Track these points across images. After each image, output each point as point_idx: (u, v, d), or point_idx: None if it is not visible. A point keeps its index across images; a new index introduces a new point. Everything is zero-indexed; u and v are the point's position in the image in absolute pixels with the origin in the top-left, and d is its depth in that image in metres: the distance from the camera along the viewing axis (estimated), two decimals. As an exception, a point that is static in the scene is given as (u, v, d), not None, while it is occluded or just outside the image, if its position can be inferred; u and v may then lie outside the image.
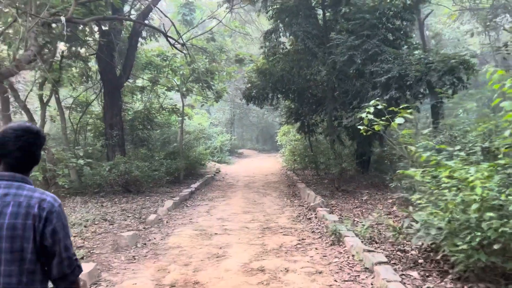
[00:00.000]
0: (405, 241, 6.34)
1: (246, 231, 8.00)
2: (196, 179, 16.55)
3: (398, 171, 8.89)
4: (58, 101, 13.48)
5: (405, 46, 11.63)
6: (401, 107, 6.69)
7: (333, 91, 13.33)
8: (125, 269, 5.87)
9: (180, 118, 20.71)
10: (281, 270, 5.61)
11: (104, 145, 14.11)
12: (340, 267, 5.66)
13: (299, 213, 9.61)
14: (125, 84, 16.93)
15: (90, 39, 14.85)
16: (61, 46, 16.29)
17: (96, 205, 10.50)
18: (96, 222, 8.54)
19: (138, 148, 16.88)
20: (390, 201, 10.41)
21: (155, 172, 13.24)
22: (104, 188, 12.13)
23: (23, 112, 11.37)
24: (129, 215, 9.34)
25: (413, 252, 6.06)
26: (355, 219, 8.50)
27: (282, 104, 17.38)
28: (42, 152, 2.43)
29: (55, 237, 1.84)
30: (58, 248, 1.85)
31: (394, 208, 9.49)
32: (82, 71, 15.69)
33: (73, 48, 14.53)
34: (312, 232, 7.79)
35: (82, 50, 15.26)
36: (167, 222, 8.94)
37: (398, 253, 6.09)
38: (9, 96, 11.90)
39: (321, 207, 9.48)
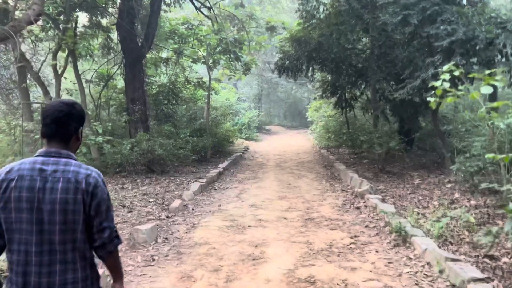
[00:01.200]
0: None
1: (285, 223, 6.71)
2: (224, 158, 15.35)
3: (473, 152, 7.41)
4: (77, 73, 12.34)
5: (467, 4, 9.84)
6: (488, 72, 5.13)
7: (378, 60, 11.70)
8: (140, 275, 4.68)
9: (206, 93, 19.55)
10: (337, 284, 4.30)
11: (126, 121, 12.98)
12: (416, 281, 4.30)
13: (344, 200, 8.23)
14: (147, 55, 15.75)
15: (111, 7, 13.61)
16: (83, 17, 15.15)
17: (116, 187, 9.42)
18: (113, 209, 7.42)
19: (162, 124, 15.74)
20: (449, 186, 8.92)
21: (180, 151, 12.05)
22: (126, 167, 11.01)
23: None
24: (151, 200, 8.18)
25: (505, 259, 4.65)
26: (414, 209, 7.08)
27: (318, 77, 15.78)
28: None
29: (100, 209, 1.96)
30: (100, 219, 1.97)
31: (456, 194, 8.01)
32: (104, 42, 14.56)
33: (94, 18, 13.34)
34: (366, 226, 6.42)
35: (104, 21, 14.07)
36: (193, 209, 7.73)
37: (486, 260, 4.68)
38: (25, 68, 10.85)
39: (370, 193, 8.09)
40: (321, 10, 12.58)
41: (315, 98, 21.51)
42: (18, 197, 1.85)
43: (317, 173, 12.08)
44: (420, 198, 8.03)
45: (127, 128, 13.13)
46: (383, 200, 7.57)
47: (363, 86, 14.60)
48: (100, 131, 10.46)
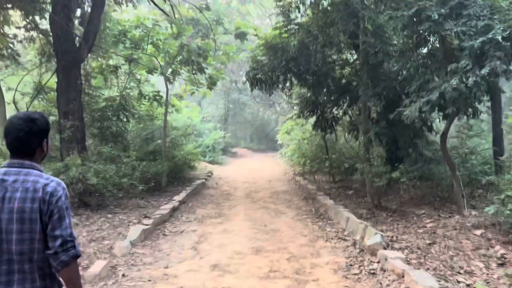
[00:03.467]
0: None
1: (268, 306, 4.11)
2: (183, 186, 12.63)
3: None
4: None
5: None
6: None
7: (372, 72, 9.50)
8: None
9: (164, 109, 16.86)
10: None
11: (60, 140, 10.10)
12: None
13: (349, 258, 5.69)
14: (94, 62, 13.02)
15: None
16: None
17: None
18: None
19: (109, 145, 12.89)
20: (478, 232, 6.62)
21: (123, 180, 9.26)
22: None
23: None
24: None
25: None
26: (457, 277, 4.67)
27: (295, 93, 13.43)
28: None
29: (52, 217, 1.91)
30: (52, 226, 1.91)
31: (499, 248, 5.69)
32: (42, 48, 11.75)
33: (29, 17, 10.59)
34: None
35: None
36: (124, 275, 4.99)
37: None
38: None
39: (384, 247, 5.64)
40: (301, 10, 10.36)
41: (289, 119, 19.18)
42: None
43: (297, 208, 9.57)
44: (451, 253, 5.64)
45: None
46: (407, 261, 5.12)
47: (345, 105, 12.39)
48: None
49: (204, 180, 14.38)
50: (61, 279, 2.00)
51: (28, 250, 1.88)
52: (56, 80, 10.14)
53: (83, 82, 12.58)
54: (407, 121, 7.62)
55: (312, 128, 12.95)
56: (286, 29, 10.96)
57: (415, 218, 8.00)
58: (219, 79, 14.63)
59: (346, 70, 12.07)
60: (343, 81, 11.90)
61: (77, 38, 10.21)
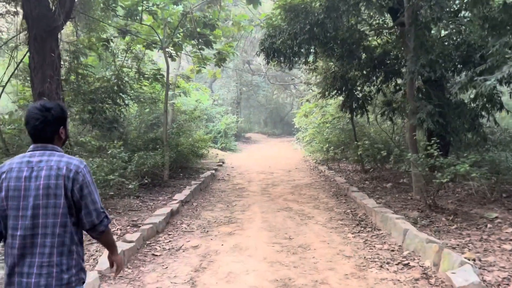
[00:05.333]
0: None
1: None
2: (189, 179, 10.69)
3: None
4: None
5: None
6: None
7: (421, 37, 7.31)
8: None
9: (170, 91, 14.85)
10: None
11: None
12: None
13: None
14: (81, 34, 11.04)
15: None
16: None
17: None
18: None
19: (93, 132, 10.97)
20: None
21: (111, 176, 7.29)
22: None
23: None
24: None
25: None
26: None
27: (318, 68, 11.19)
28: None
29: (83, 193, 2.04)
30: (85, 202, 2.05)
31: None
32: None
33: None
34: None
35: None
36: None
37: None
38: None
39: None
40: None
41: (308, 100, 17.01)
42: (7, 186, 2.01)
43: (328, 209, 7.52)
44: None
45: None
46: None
47: (379, 81, 10.22)
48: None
49: (213, 171, 12.41)
50: (76, 256, 2.07)
51: (52, 224, 1.99)
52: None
53: (71, 59, 10.68)
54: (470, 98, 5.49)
55: (340, 108, 10.82)
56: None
57: (488, 224, 5.92)
58: (229, 55, 12.48)
59: (380, 39, 9.85)
60: (378, 50, 9.68)
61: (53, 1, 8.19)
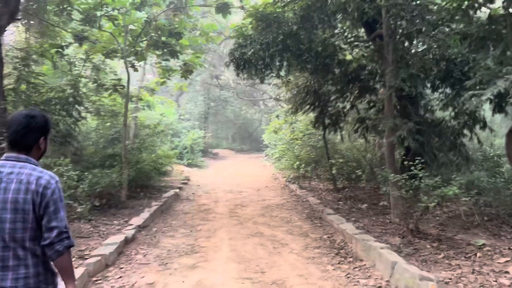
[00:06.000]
0: None
1: None
2: (150, 199, 9.76)
3: None
4: None
5: None
6: None
7: (400, 49, 6.85)
8: None
9: (133, 104, 13.92)
10: None
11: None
12: None
13: None
14: (32, 39, 10.05)
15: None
16: None
17: None
18: None
19: (59, 148, 9.95)
20: None
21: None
22: None
23: None
24: None
25: None
26: None
27: (290, 83, 10.59)
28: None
29: (48, 209, 1.96)
30: (49, 217, 1.95)
31: None
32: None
33: None
34: None
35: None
36: None
37: None
38: None
39: None
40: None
41: (277, 117, 16.46)
42: None
43: (303, 234, 6.80)
44: None
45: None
46: None
47: (352, 97, 9.75)
48: None
49: (177, 190, 11.50)
50: (54, 267, 2.04)
51: (21, 238, 1.93)
52: None
53: (21, 67, 9.63)
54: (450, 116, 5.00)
55: (313, 125, 10.20)
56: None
57: (477, 253, 5.38)
58: (196, 66, 11.74)
59: (356, 53, 9.40)
60: (353, 65, 9.21)
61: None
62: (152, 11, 9.82)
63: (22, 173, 1.98)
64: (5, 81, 9.54)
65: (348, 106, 10.00)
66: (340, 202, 9.34)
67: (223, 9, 9.75)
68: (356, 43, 8.89)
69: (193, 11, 10.89)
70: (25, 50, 9.75)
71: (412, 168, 5.92)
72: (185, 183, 13.59)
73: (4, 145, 6.75)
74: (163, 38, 10.25)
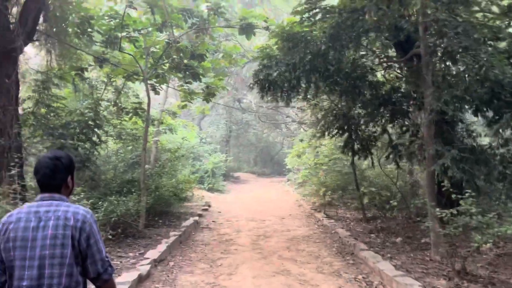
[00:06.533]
0: None
1: None
2: (169, 227, 9.23)
3: None
4: None
5: None
6: None
7: (444, 71, 6.22)
8: None
9: (154, 127, 13.55)
10: None
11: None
12: None
13: None
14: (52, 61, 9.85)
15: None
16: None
17: None
18: None
19: (79, 173, 9.56)
20: None
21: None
22: None
23: None
24: None
25: None
26: None
27: (316, 107, 10.02)
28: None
29: (89, 242, 2.05)
30: (92, 251, 2.06)
31: None
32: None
33: None
34: None
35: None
36: None
37: None
38: None
39: None
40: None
41: (301, 140, 15.85)
42: (15, 237, 2.00)
43: (335, 274, 6.07)
44: None
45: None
46: None
47: (383, 120, 9.10)
48: None
49: (197, 217, 10.91)
50: None
51: (58, 274, 1.98)
52: None
53: (41, 90, 9.38)
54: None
55: (341, 150, 9.53)
56: (309, 15, 7.73)
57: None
58: (218, 88, 11.33)
59: (388, 74, 8.79)
60: (385, 87, 8.59)
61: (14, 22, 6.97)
62: (174, 33, 9.48)
63: (58, 210, 2.06)
64: (25, 104, 9.34)
65: (379, 131, 9.32)
66: (372, 235, 8.57)
67: (247, 30, 9.33)
68: (389, 63, 8.28)
69: (216, 32, 10.52)
70: (45, 73, 9.53)
71: (462, 202, 5.18)
72: (206, 209, 13.01)
73: (14, 171, 6.39)
74: (185, 61, 9.90)
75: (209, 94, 11.15)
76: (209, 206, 13.93)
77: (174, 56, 9.82)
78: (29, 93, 9.34)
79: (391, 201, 8.16)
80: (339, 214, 11.50)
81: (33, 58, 12.73)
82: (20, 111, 8.29)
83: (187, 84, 10.90)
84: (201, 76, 10.51)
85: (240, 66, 14.91)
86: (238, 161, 33.29)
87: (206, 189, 19.05)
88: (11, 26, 6.68)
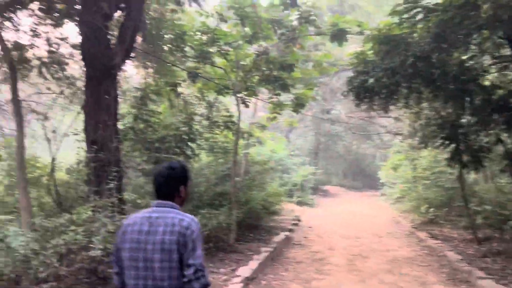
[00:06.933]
0: None
1: None
2: (259, 242, 8.99)
3: None
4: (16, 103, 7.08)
5: None
6: None
7: None
8: None
9: (244, 140, 13.53)
10: None
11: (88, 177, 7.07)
12: None
13: None
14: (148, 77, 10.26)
15: None
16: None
17: None
18: None
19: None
20: None
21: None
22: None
23: None
24: None
25: None
26: None
27: (413, 115, 9.16)
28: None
29: (187, 247, 2.13)
30: (187, 256, 2.12)
31: None
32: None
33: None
34: None
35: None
36: None
37: None
38: None
39: None
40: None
41: (397, 152, 14.78)
42: (131, 238, 2.20)
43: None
44: None
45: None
46: None
47: (497, 129, 7.93)
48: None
49: (288, 232, 10.54)
50: None
51: (167, 277, 2.12)
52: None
53: (139, 105, 9.82)
54: None
55: (448, 161, 8.51)
56: (409, 15, 7.03)
57: None
58: (308, 99, 10.94)
59: (504, 76, 7.68)
60: (500, 91, 7.50)
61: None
62: (262, 44, 9.33)
63: (167, 217, 2.20)
64: (125, 120, 9.82)
65: (492, 140, 8.17)
66: (487, 259, 7.45)
67: (339, 36, 8.83)
68: (504, 63, 7.21)
69: (306, 41, 10.17)
70: (143, 90, 9.95)
71: None
72: (296, 224, 12.58)
73: (112, 185, 6.59)
74: (275, 72, 9.69)
75: (298, 105, 10.80)
76: (299, 220, 13.49)
77: (264, 68, 9.67)
78: (129, 109, 9.81)
79: (510, 220, 7.01)
80: (445, 233, 10.32)
81: (133, 76, 13.54)
82: (121, 127, 8.69)
83: (276, 96, 10.67)
84: (290, 87, 10.23)
85: (330, 76, 14.38)
86: (327, 174, 32.35)
87: (295, 203, 18.63)
88: (110, 44, 6.98)
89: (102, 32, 6.83)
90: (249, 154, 14.27)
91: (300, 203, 18.98)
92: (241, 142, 12.73)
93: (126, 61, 7.53)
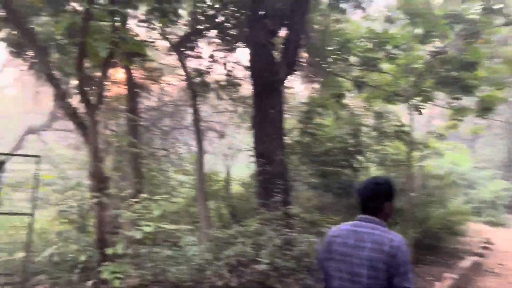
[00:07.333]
0: None
1: None
2: (440, 266, 7.87)
3: None
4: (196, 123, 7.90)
5: None
6: None
7: None
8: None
9: (418, 151, 12.31)
10: None
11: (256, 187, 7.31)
12: None
13: None
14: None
15: None
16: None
17: None
18: None
19: (338, 200, 9.57)
20: None
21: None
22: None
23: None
24: None
25: None
26: None
27: None
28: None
29: (399, 270, 2.09)
30: (399, 278, 2.08)
31: None
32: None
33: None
34: None
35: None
36: None
37: None
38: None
39: None
40: None
41: None
42: (337, 250, 2.25)
43: None
44: None
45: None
46: None
47: None
48: (156, 213, 4.96)
49: (476, 257, 8.98)
50: None
51: None
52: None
53: (306, 118, 9.87)
54: None
55: None
56: None
57: None
58: (496, 103, 9.27)
59: None
60: None
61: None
62: (437, 43, 8.30)
63: (375, 234, 2.17)
64: (292, 134, 9.94)
65: None
66: None
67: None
68: None
69: (491, 35, 8.68)
70: (309, 104, 9.93)
71: None
72: (486, 248, 10.70)
73: (278, 197, 6.60)
74: (454, 73, 8.49)
75: (484, 110, 9.26)
76: (490, 243, 11.44)
77: (439, 70, 8.58)
78: (296, 124, 9.91)
79: None
80: None
81: (300, 92, 13.79)
82: (288, 141, 8.80)
83: (456, 100, 9.35)
84: (473, 89, 8.84)
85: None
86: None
87: (483, 222, 16.06)
88: (274, 60, 7.12)
89: (266, 49, 7.05)
90: (425, 166, 12.93)
91: (490, 223, 16.28)
92: (415, 153, 11.60)
93: (290, 75, 7.57)
